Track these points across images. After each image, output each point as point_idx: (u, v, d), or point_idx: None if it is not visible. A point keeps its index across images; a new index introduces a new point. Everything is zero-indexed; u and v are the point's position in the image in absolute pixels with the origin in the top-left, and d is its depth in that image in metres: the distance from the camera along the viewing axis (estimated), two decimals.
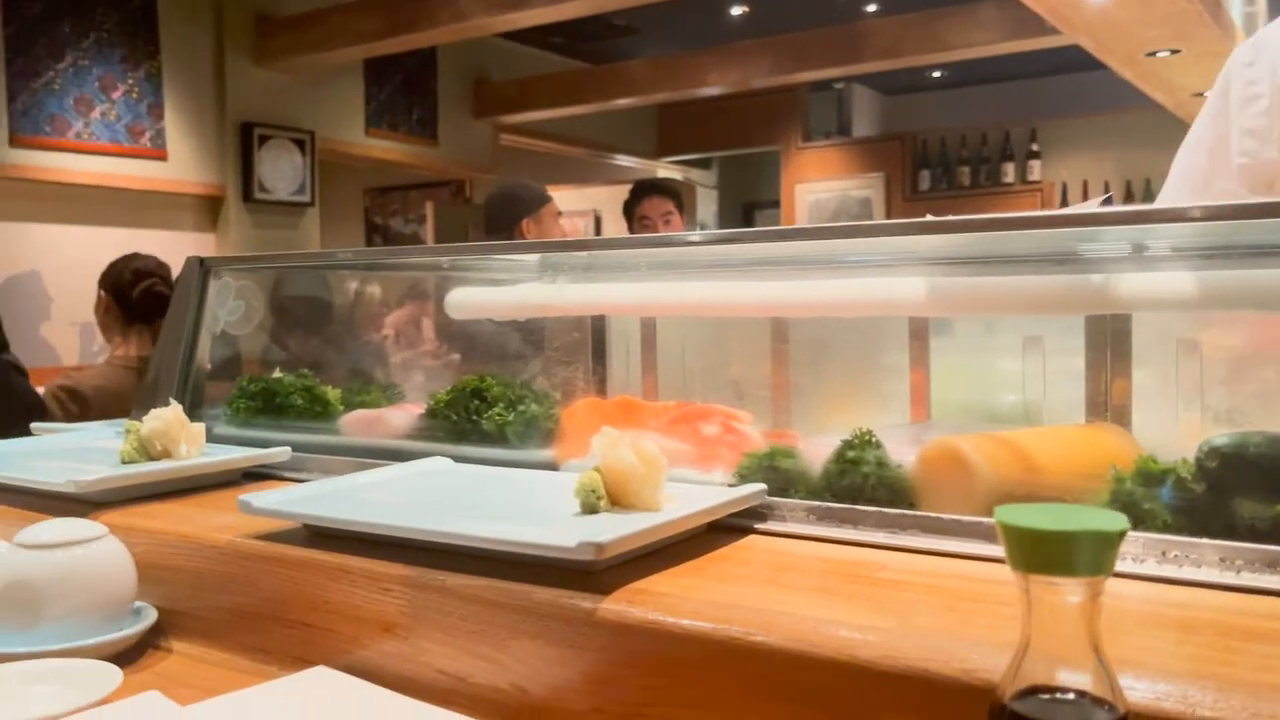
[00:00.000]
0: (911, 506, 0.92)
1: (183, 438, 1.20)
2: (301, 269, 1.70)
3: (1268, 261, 0.97)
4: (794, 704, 0.68)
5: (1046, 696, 0.52)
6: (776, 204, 8.14)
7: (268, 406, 1.34)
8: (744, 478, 1.00)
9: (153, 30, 5.44)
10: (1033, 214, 1.00)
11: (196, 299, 1.41)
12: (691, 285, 1.31)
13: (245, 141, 5.79)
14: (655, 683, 0.73)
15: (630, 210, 3.72)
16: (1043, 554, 0.51)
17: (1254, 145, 1.46)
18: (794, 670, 0.68)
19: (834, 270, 1.23)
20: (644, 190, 3.74)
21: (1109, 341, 1.13)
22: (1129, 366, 1.10)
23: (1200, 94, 4.92)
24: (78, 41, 5.16)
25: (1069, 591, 0.51)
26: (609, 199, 7.55)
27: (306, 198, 6.08)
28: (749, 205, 9.24)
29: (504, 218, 3.41)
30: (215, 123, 5.73)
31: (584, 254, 1.38)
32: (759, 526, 0.94)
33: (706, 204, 8.85)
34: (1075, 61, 5.41)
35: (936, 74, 7.64)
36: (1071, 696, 0.52)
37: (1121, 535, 0.50)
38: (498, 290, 1.46)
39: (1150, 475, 0.83)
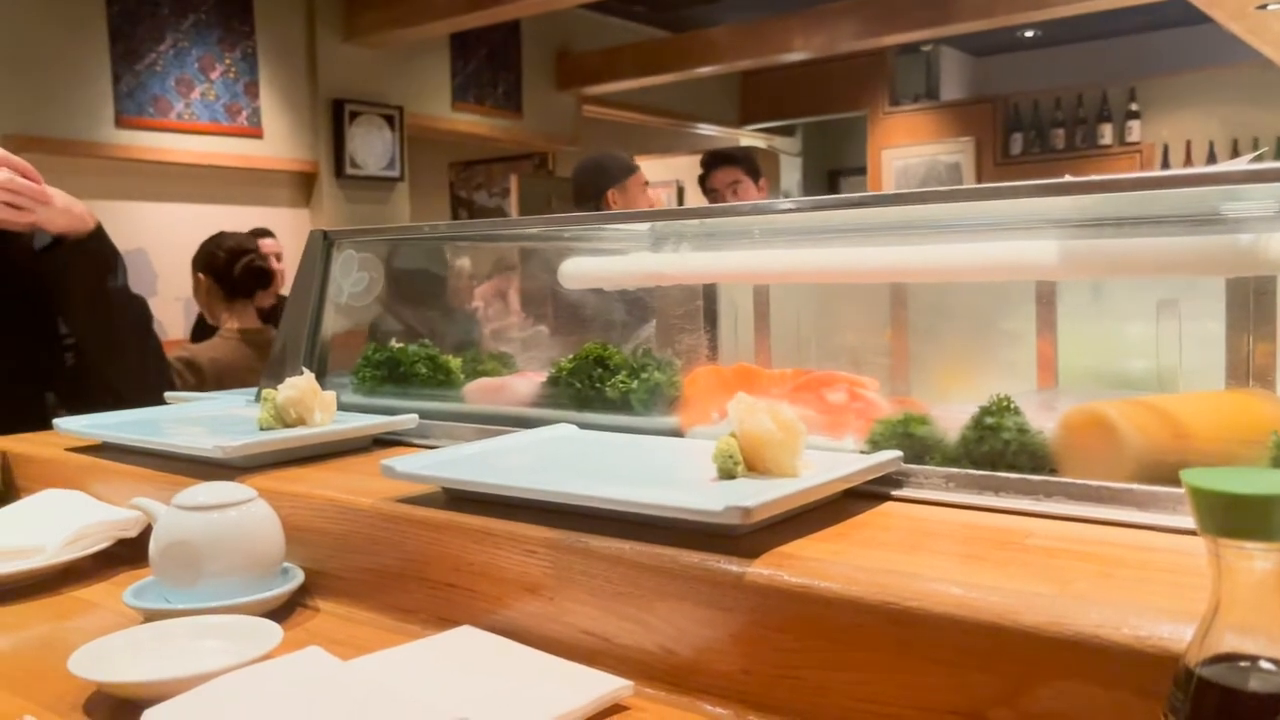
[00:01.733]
0: (1053, 473, 0.90)
1: (316, 405, 1.24)
2: (414, 240, 1.73)
3: None
4: (953, 668, 0.68)
5: (1238, 664, 0.51)
6: (863, 171, 8.01)
7: (392, 375, 1.38)
8: (877, 445, 0.99)
9: (248, 10, 5.56)
10: (1179, 172, 0.97)
11: (321, 271, 1.45)
12: (806, 252, 1.31)
13: (336, 118, 5.90)
14: (807, 644, 0.74)
15: (703, 184, 3.71)
16: (1236, 518, 0.49)
17: None
18: (952, 635, 0.67)
19: (954, 234, 1.21)
20: (709, 163, 3.73)
21: (1252, 304, 1.09)
22: (1275, 330, 1.07)
23: None
24: (177, 24, 5.31)
25: (1262, 557, 0.50)
26: (691, 169, 7.50)
27: (396, 172, 6.18)
28: (834, 172, 9.11)
29: (591, 189, 3.44)
30: (308, 100, 5.85)
31: (694, 222, 1.38)
32: (895, 494, 0.94)
33: (790, 172, 8.75)
34: (1177, 16, 5.20)
35: (1029, 34, 7.41)
36: (1265, 665, 0.51)
37: None
38: (610, 260, 1.47)
39: None
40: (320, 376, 1.44)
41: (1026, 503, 0.88)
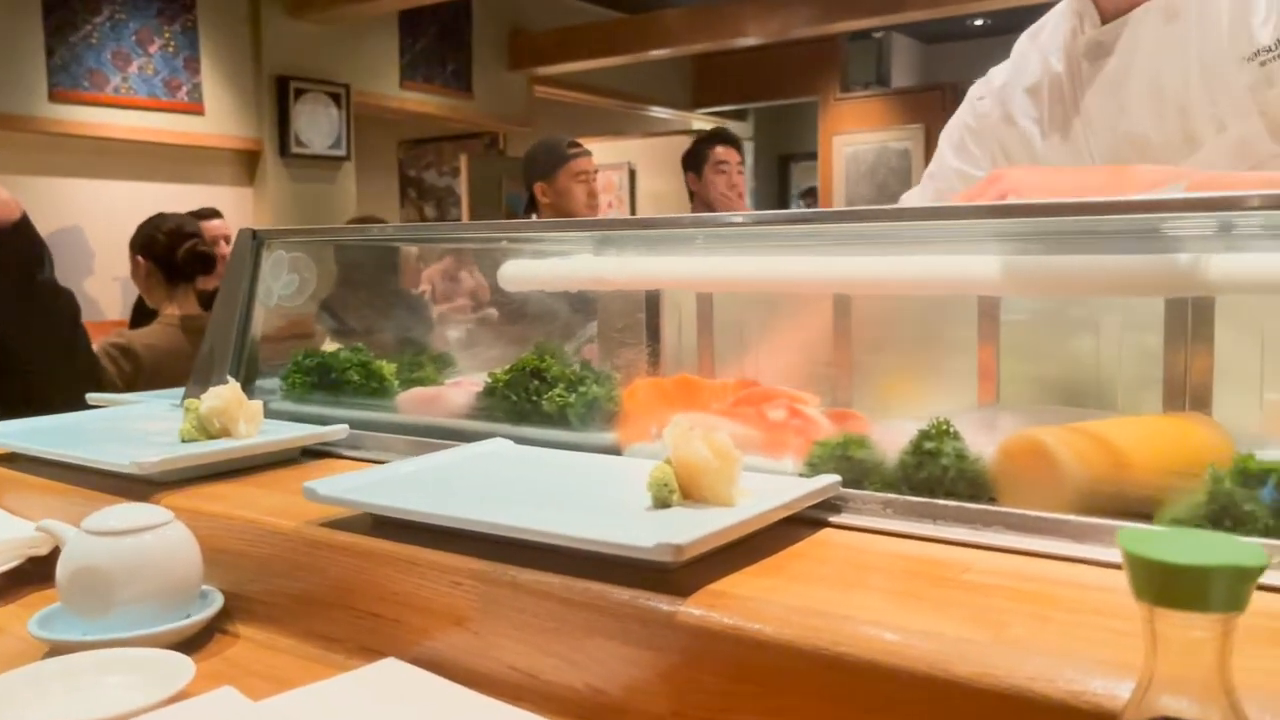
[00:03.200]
0: (992, 501, 0.89)
1: (241, 416, 1.20)
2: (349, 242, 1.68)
3: None
4: (885, 717, 0.66)
5: None
6: (814, 156, 8.03)
7: (323, 382, 1.33)
8: (815, 467, 0.97)
9: None
10: (1119, 200, 0.95)
11: (250, 272, 1.40)
12: (751, 260, 1.28)
13: (281, 95, 5.77)
14: (737, 689, 0.72)
15: (702, 155, 3.67)
16: (1173, 588, 0.48)
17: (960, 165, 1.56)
18: (884, 684, 0.66)
19: (898, 246, 1.20)
20: (720, 137, 3.74)
21: (1189, 325, 1.09)
22: (1211, 353, 1.06)
23: None
24: None
25: (1201, 627, 0.48)
26: (643, 151, 7.48)
27: (342, 151, 6.07)
28: (785, 157, 9.13)
29: (525, 181, 3.41)
30: (251, 76, 5.72)
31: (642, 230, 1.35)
32: (833, 520, 0.92)
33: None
34: None
35: (978, 22, 7.46)
36: None
37: (1261, 570, 0.48)
38: (551, 262, 1.43)
39: (1249, 474, 0.79)
40: (250, 383, 1.40)
41: (964, 532, 0.86)
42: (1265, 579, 0.73)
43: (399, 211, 8.05)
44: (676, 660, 0.74)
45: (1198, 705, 0.49)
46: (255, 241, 1.41)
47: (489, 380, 1.20)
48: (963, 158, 1.57)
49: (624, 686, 0.77)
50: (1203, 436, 0.92)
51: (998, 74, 1.57)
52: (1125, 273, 1.05)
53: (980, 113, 1.56)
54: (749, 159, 8.78)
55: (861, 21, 6.20)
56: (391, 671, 0.85)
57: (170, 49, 5.40)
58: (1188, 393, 1.09)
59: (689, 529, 0.77)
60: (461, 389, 1.26)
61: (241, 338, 1.38)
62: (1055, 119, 1.44)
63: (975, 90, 1.59)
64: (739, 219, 1.19)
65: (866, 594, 0.76)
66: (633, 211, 7.42)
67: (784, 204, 8.97)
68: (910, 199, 1.66)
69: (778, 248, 1.30)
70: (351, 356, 1.33)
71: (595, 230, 1.32)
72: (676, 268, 1.33)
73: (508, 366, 1.18)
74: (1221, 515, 0.79)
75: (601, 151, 7.56)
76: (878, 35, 7.87)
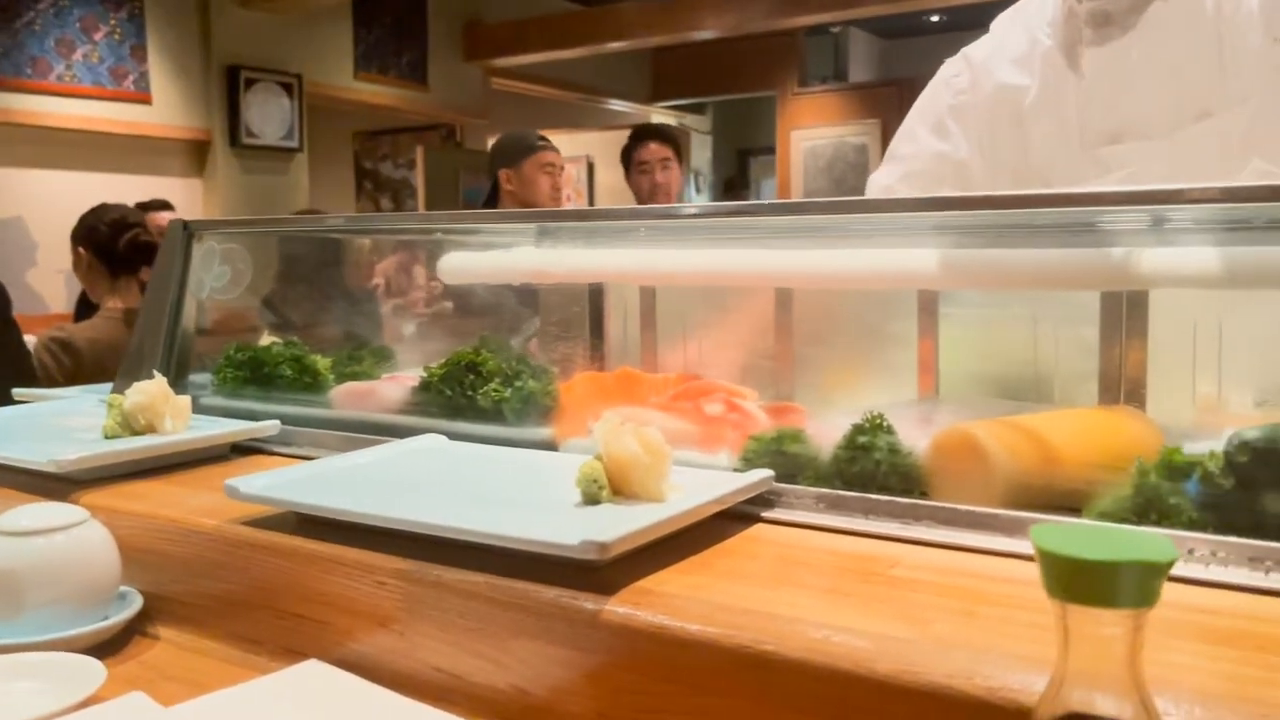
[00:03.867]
0: (924, 495, 0.88)
1: (167, 411, 1.16)
2: (285, 233, 1.65)
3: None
4: (807, 716, 0.65)
5: None
6: (772, 150, 8.04)
7: (255, 377, 1.30)
8: (750, 462, 0.96)
9: None
10: (1052, 192, 0.95)
11: (181, 264, 1.36)
12: (693, 254, 1.27)
13: (231, 85, 5.67)
14: (662, 689, 0.71)
15: (628, 155, 3.66)
16: (1084, 584, 0.47)
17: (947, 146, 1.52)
18: (807, 682, 0.65)
19: (841, 240, 1.19)
20: (642, 135, 3.68)
21: (1124, 319, 1.09)
22: (1145, 345, 1.07)
23: None
24: None
25: (1111, 623, 0.48)
26: (602, 144, 7.44)
27: (295, 143, 5.98)
28: (744, 151, 9.14)
29: (490, 169, 3.37)
30: (200, 65, 5.61)
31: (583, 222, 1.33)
32: (766, 515, 0.91)
33: (701, 150, 8.74)
34: None
35: (935, 18, 7.50)
36: None
37: (1170, 565, 0.47)
38: (491, 255, 1.41)
39: (1175, 468, 0.79)
40: (180, 378, 1.37)
41: (895, 527, 0.86)
42: (1186, 572, 0.73)
43: (355, 204, 7.96)
44: (602, 660, 0.73)
45: (1109, 700, 0.49)
46: (186, 233, 1.37)
47: (424, 375, 1.18)
48: (943, 138, 1.54)
49: (549, 687, 0.75)
50: (1133, 430, 0.93)
51: (976, 50, 1.55)
52: (1061, 267, 1.06)
53: (959, 89, 1.53)
54: (707, 153, 8.79)
55: (818, 16, 6.21)
56: (313, 673, 0.83)
57: (116, 36, 5.29)
58: (1122, 386, 1.10)
59: (616, 526, 0.76)
60: (396, 384, 1.24)
61: (172, 332, 1.35)
62: (1046, 91, 1.43)
63: (948, 69, 1.57)
64: (676, 211, 1.18)
65: (794, 591, 0.75)
66: (591, 205, 7.39)
67: (743, 199, 8.99)
68: (877, 182, 1.63)
69: (720, 241, 1.28)
70: (284, 351, 1.30)
71: (534, 222, 1.30)
72: (618, 261, 1.32)
73: (443, 361, 1.16)
74: (1147, 508, 0.79)
75: (559, 144, 7.49)
76: (835, 30, 7.89)
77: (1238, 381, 1.08)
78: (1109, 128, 1.38)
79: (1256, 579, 0.72)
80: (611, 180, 7.28)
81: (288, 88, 5.92)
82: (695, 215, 1.18)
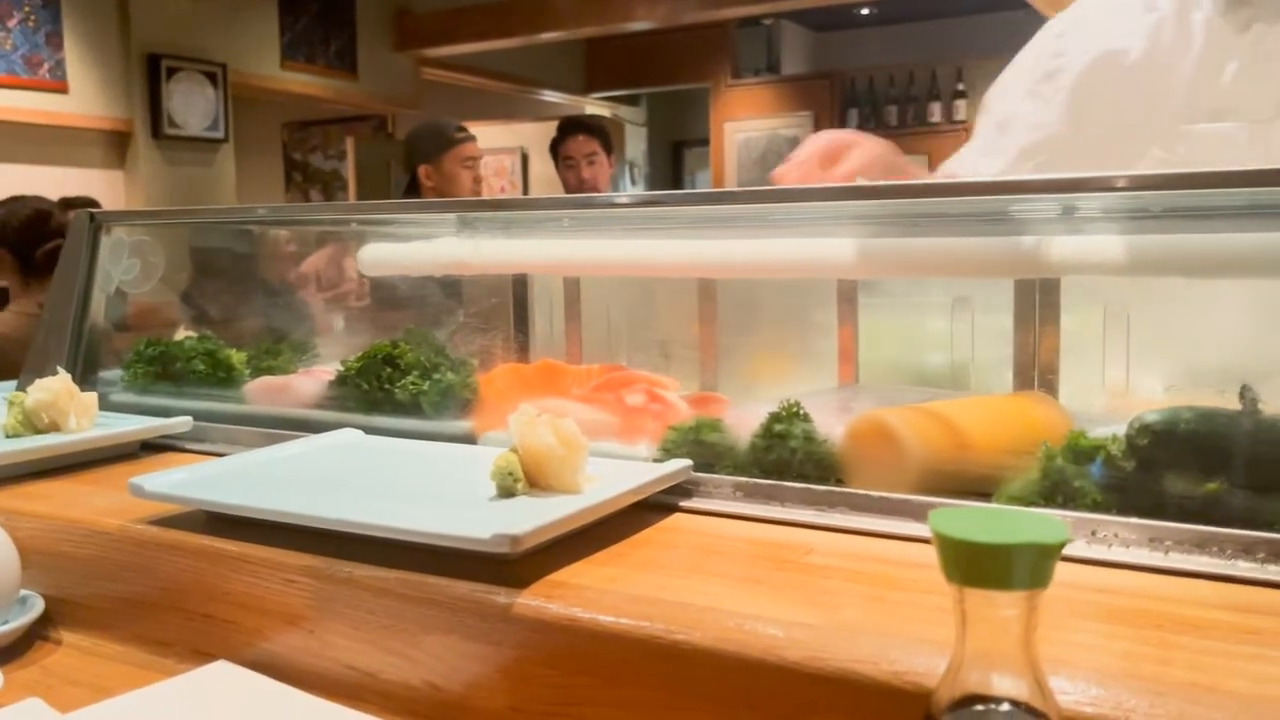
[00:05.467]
0: (839, 482, 0.89)
1: (72, 409, 1.13)
2: (198, 224, 1.61)
3: (1196, 227, 0.95)
4: (720, 705, 0.65)
5: (981, 708, 0.50)
6: (706, 142, 8.06)
7: (167, 372, 1.27)
8: (669, 452, 0.96)
9: None
10: (962, 181, 0.97)
11: (88, 257, 1.32)
12: (615, 244, 1.26)
13: (152, 74, 5.51)
14: (576, 681, 0.70)
15: (556, 149, 3.64)
16: (979, 568, 0.48)
17: (1039, 113, 1.46)
18: (719, 671, 0.65)
19: (761, 229, 1.20)
20: (568, 129, 3.65)
21: (1038, 306, 1.11)
22: (1057, 333, 1.09)
23: None
24: None
25: (1006, 605, 0.48)
26: (536, 135, 7.39)
27: (220, 133, 5.84)
28: (678, 143, 9.15)
29: (408, 163, 3.32)
30: (120, 54, 5.45)
31: (503, 212, 1.31)
32: (684, 504, 0.91)
33: (636, 142, 8.73)
34: (1000, 1, 5.40)
35: (865, 11, 7.58)
36: (1006, 707, 0.50)
37: (1060, 547, 0.48)
38: (412, 246, 1.39)
39: (1080, 451, 0.81)
40: (89, 374, 1.32)
41: (810, 514, 0.86)
42: (1090, 554, 0.75)
43: (284, 196, 7.81)
44: (515, 654, 0.72)
45: (1006, 680, 0.49)
46: (93, 225, 1.33)
47: (341, 369, 1.15)
48: (1040, 104, 1.47)
49: (463, 682, 0.74)
50: (1043, 415, 0.94)
51: (1076, 8, 1.50)
52: (975, 255, 1.07)
53: (1058, 51, 1.47)
54: (641, 144, 8.78)
55: (750, 8, 6.23)
56: (221, 675, 0.81)
57: (30, 23, 5.11)
58: (1036, 373, 1.12)
59: (529, 519, 0.75)
60: (312, 378, 1.21)
61: (78, 327, 1.30)
62: (1155, 57, 1.38)
63: (1053, 28, 1.51)
64: (594, 201, 1.17)
65: (708, 580, 0.75)
66: (525, 196, 7.34)
67: (678, 189, 9.00)
68: (969, 159, 1.55)
69: (642, 231, 1.28)
70: (197, 345, 1.26)
71: (454, 212, 1.28)
72: (540, 251, 1.31)
73: (359, 355, 1.14)
74: (1054, 491, 0.80)
75: (494, 135, 7.44)
76: (767, 23, 7.92)
77: (1147, 366, 1.10)
78: (1214, 105, 1.34)
79: (1156, 559, 0.74)
80: (547, 171, 7.23)
81: (211, 77, 5.78)
82: (613, 205, 1.17)
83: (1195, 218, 0.96)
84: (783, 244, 1.16)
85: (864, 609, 0.69)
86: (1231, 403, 0.79)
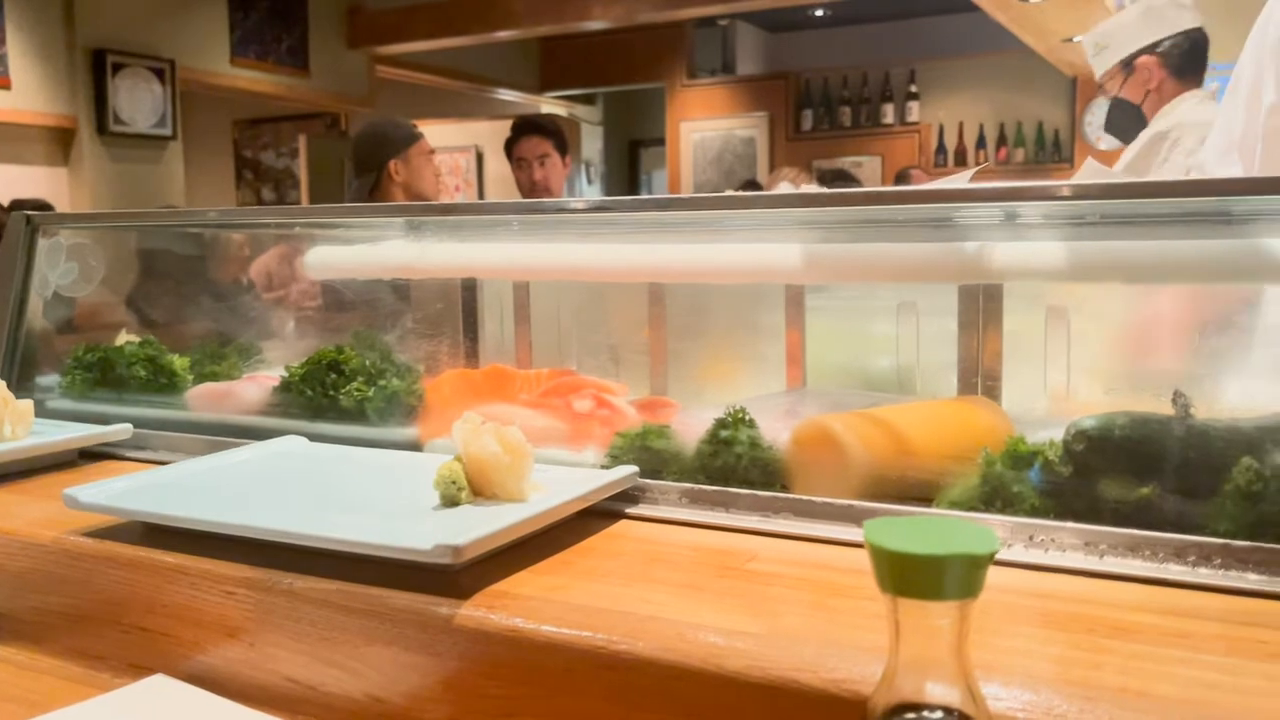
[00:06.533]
0: (785, 488, 0.90)
1: (7, 416, 1.10)
2: (140, 226, 1.58)
3: (1136, 233, 0.97)
4: (662, 714, 0.65)
5: (915, 715, 0.51)
6: (663, 142, 8.06)
7: (107, 378, 1.24)
8: (616, 458, 0.96)
9: None
10: (901, 189, 0.98)
11: (25, 260, 1.29)
12: (564, 248, 1.26)
13: (98, 69, 5.41)
14: (518, 692, 0.70)
15: (509, 149, 3.62)
16: (911, 578, 0.48)
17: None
18: (661, 680, 0.65)
19: (710, 235, 1.20)
20: (521, 129, 3.63)
21: (981, 312, 1.13)
22: (1001, 337, 1.10)
23: (1070, 39, 5.03)
24: None
25: (939, 614, 0.49)
26: (491, 134, 7.35)
27: (168, 130, 5.74)
28: (635, 143, 9.14)
29: (371, 159, 3.28)
30: (64, 48, 5.34)
31: (451, 216, 1.30)
32: (630, 511, 0.91)
33: (592, 140, 8.71)
34: (953, 3, 5.46)
35: (820, 12, 7.62)
36: (939, 715, 0.51)
37: (990, 557, 0.48)
38: (359, 250, 1.37)
39: (1019, 457, 0.82)
40: (26, 381, 1.29)
41: (755, 520, 0.86)
42: (1027, 558, 0.76)
43: (235, 193, 7.69)
44: (457, 665, 0.72)
45: (939, 688, 0.50)
46: (30, 227, 1.30)
47: (285, 374, 1.14)
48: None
49: (405, 694, 0.74)
50: (984, 420, 0.96)
51: None
52: (920, 261, 1.08)
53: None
54: (598, 144, 8.77)
55: (706, 8, 6.24)
56: (158, 688, 0.80)
57: None
58: (980, 378, 1.13)
59: (472, 528, 0.75)
60: (256, 384, 1.20)
61: (13, 333, 1.27)
62: None
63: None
64: (546, 207, 1.17)
65: (651, 588, 0.75)
66: (480, 195, 7.30)
67: (634, 190, 9.00)
68: (1220, 154, 1.54)
69: (593, 236, 1.28)
70: (138, 350, 1.24)
71: (403, 216, 1.27)
72: (487, 255, 1.30)
73: (304, 360, 1.12)
74: (993, 497, 0.81)
75: (448, 134, 7.38)
76: (723, 23, 7.95)
77: (1088, 371, 1.12)
78: None
79: (1091, 563, 0.75)
80: (503, 170, 7.19)
81: (159, 73, 5.68)
82: (562, 210, 1.17)
83: (1133, 224, 0.97)
84: (732, 249, 1.16)
85: (805, 616, 0.69)
86: (1167, 407, 0.81)
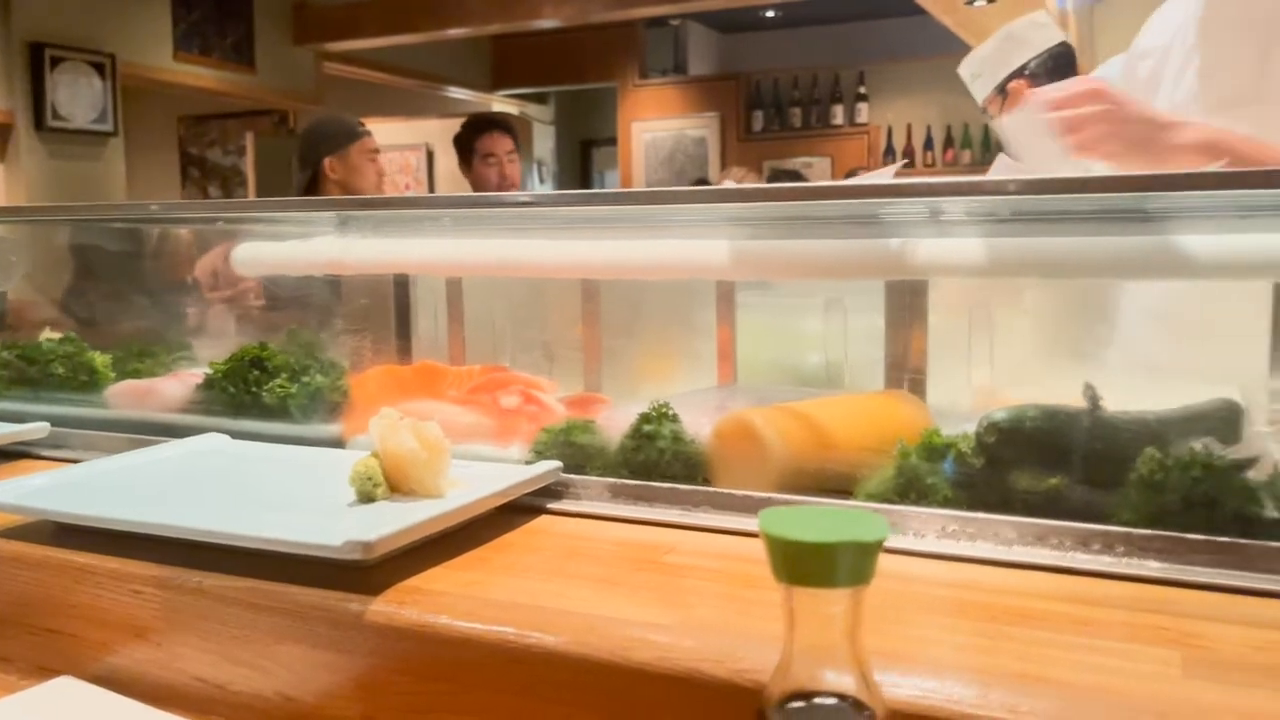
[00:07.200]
0: (707, 482, 0.90)
1: None
2: (68, 221, 1.55)
3: (1057, 230, 0.99)
4: (571, 707, 0.65)
5: (805, 703, 0.51)
6: (615, 141, 8.06)
7: (24, 376, 1.21)
8: (540, 454, 0.96)
9: None
10: (830, 184, 0.98)
11: None
12: (495, 244, 1.25)
13: (35, 63, 5.29)
14: (430, 688, 0.69)
15: (469, 144, 3.55)
16: (803, 566, 0.49)
17: None
18: (571, 673, 0.65)
19: (642, 230, 1.20)
20: (488, 125, 3.59)
21: (907, 307, 1.14)
22: (925, 332, 1.12)
23: None
24: None
25: (831, 601, 0.49)
26: (441, 132, 7.29)
27: (108, 126, 5.63)
28: (587, 142, 9.13)
29: (309, 156, 3.24)
30: (0, 42, 5.21)
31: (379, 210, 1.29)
32: (553, 506, 0.91)
33: (544, 140, 8.68)
34: (901, 6, 5.51)
35: (770, 13, 7.66)
36: (833, 701, 0.51)
37: (879, 545, 0.49)
38: (289, 246, 1.35)
39: (933, 449, 0.83)
40: None
41: (676, 513, 0.87)
42: (940, 549, 0.77)
43: (180, 191, 7.57)
44: (368, 662, 0.71)
45: (833, 674, 0.50)
46: None
47: (208, 371, 1.12)
48: None
49: (316, 692, 0.73)
50: (904, 414, 0.97)
51: None
52: (847, 256, 1.09)
53: None
54: (549, 143, 8.74)
55: (657, 8, 6.24)
56: (65, 691, 0.78)
57: None
58: (905, 372, 1.14)
59: (384, 524, 0.74)
60: (178, 381, 1.18)
61: None
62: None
63: None
64: (478, 202, 1.16)
65: (567, 582, 0.75)
66: (431, 193, 7.25)
67: (586, 188, 8.99)
68: None
69: (522, 232, 1.27)
70: (56, 347, 1.21)
71: (334, 210, 1.26)
72: (417, 251, 1.29)
73: (226, 357, 1.11)
74: (908, 488, 0.82)
75: (398, 132, 7.32)
76: (674, 23, 7.96)
77: (1008, 366, 1.14)
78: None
79: (1000, 553, 0.76)
80: (453, 168, 7.15)
81: (99, 68, 5.57)
82: (492, 205, 1.16)
83: (1050, 221, 0.99)
84: (663, 245, 1.16)
85: (717, 607, 0.69)
86: (1079, 400, 0.82)
